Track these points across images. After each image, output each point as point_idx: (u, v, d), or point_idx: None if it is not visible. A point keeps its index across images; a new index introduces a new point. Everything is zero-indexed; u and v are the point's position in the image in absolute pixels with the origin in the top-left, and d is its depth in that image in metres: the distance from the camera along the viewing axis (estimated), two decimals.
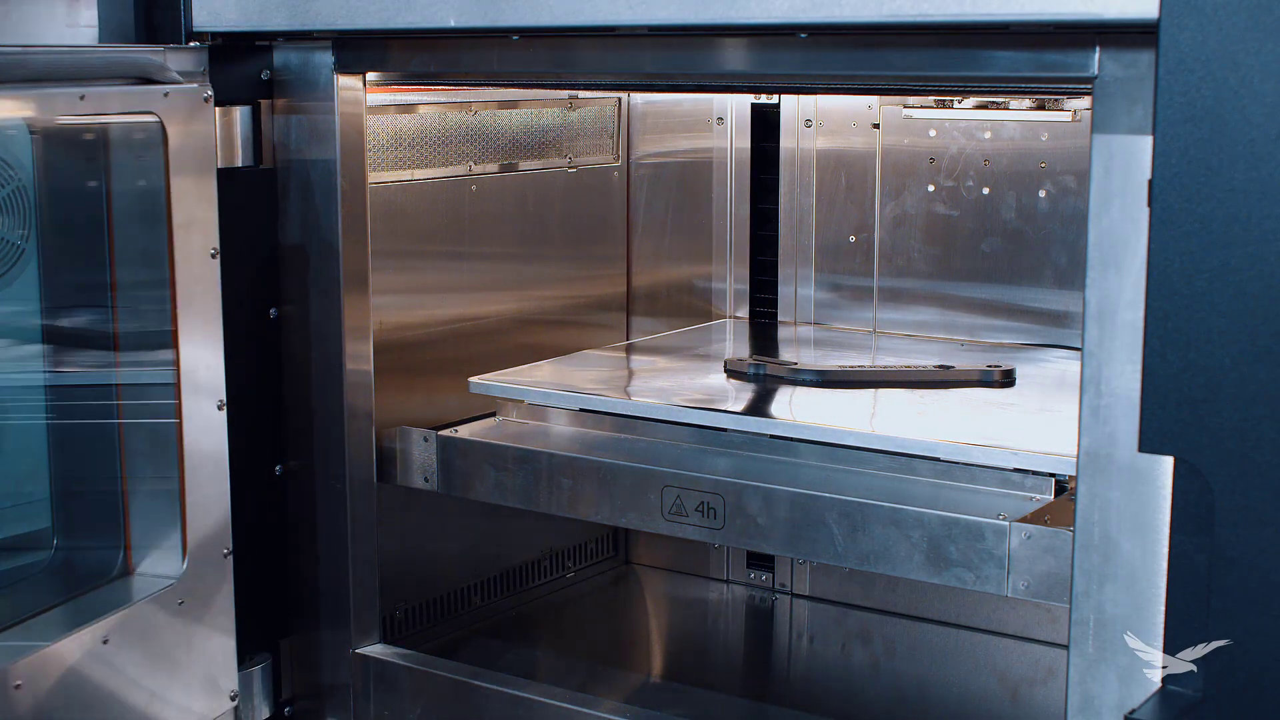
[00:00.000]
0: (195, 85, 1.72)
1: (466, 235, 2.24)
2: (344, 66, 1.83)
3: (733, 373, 2.09)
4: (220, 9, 1.77)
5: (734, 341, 2.46)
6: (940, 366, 2.09)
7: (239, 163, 1.84)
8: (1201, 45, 1.18)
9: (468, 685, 1.89)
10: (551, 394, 2.04)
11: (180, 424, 1.74)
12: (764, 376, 2.05)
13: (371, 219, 1.91)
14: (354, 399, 1.90)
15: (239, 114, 1.83)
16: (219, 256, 1.77)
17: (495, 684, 1.88)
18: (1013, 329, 2.33)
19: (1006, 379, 2.04)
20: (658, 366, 2.25)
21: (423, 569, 2.21)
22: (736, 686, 2.23)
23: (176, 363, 1.72)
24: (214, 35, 1.79)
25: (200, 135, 1.73)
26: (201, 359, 1.76)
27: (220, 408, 1.80)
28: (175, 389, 1.73)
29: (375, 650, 1.94)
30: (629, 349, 2.42)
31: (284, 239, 1.90)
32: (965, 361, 2.15)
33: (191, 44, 1.77)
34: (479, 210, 2.25)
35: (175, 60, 1.74)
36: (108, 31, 1.79)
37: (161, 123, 1.66)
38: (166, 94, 1.67)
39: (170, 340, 1.73)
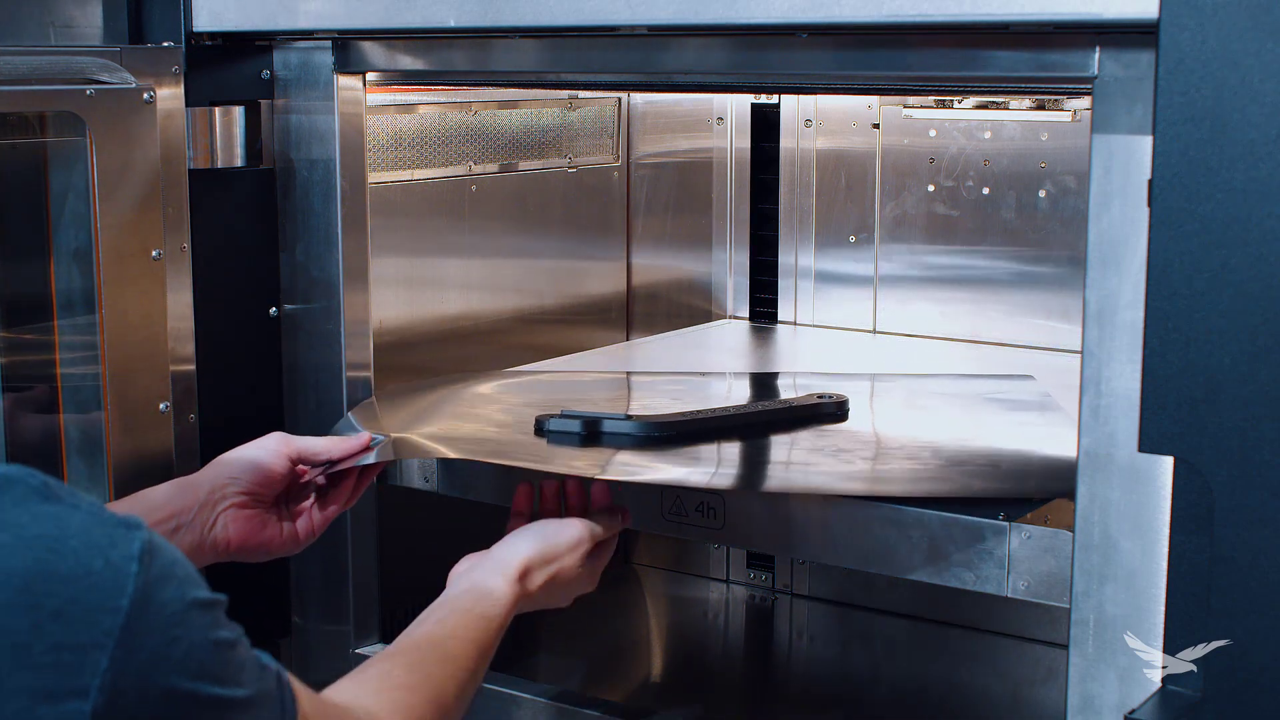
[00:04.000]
0: (133, 84, 1.69)
1: (466, 235, 2.24)
2: (344, 66, 1.83)
3: (542, 430, 1.72)
4: (221, 10, 1.77)
5: (731, 343, 2.46)
6: (767, 403, 1.85)
7: (238, 163, 1.84)
8: (1201, 45, 1.18)
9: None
10: None
11: (107, 430, 1.71)
12: (574, 435, 1.69)
13: (371, 219, 1.91)
14: (354, 399, 1.90)
15: (238, 114, 1.84)
16: (164, 259, 1.74)
17: (495, 684, 1.88)
18: (1012, 329, 2.33)
19: (840, 410, 1.82)
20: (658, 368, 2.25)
21: (423, 569, 2.21)
22: (736, 686, 2.23)
23: (102, 367, 1.70)
24: (214, 36, 1.79)
25: (136, 135, 1.69)
26: (140, 365, 1.73)
27: (191, 418, 1.80)
28: (102, 393, 1.71)
29: (376, 650, 1.94)
30: (629, 349, 2.42)
31: (284, 239, 1.90)
32: (796, 395, 1.91)
33: (166, 44, 1.76)
34: (479, 210, 2.25)
35: (138, 60, 1.71)
36: (110, 33, 1.79)
37: (85, 122, 1.65)
38: (90, 93, 1.66)
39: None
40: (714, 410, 1.75)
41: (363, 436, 1.64)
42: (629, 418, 1.68)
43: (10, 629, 0.87)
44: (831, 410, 1.80)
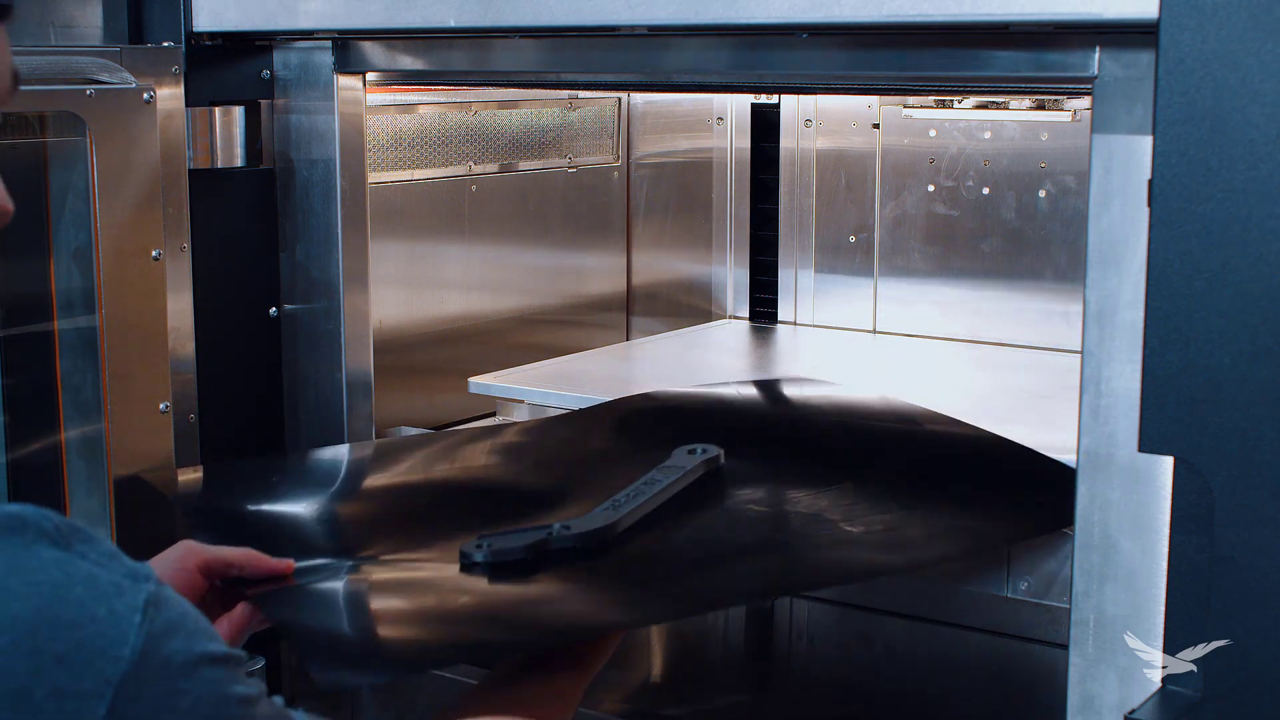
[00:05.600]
0: (133, 84, 1.69)
1: (466, 235, 2.24)
2: (344, 66, 1.83)
3: (472, 562, 1.46)
4: (221, 10, 1.77)
5: (731, 343, 2.46)
6: (665, 468, 1.68)
7: (238, 163, 1.84)
8: (1201, 45, 1.17)
9: (468, 685, 1.88)
10: (551, 394, 2.04)
11: (107, 432, 1.71)
12: (519, 562, 1.46)
13: (371, 219, 1.91)
14: (354, 399, 1.91)
15: (238, 114, 1.84)
16: (164, 259, 1.74)
17: None
18: (1012, 329, 2.33)
19: (720, 460, 1.72)
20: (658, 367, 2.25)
21: None
22: (736, 686, 2.23)
23: (102, 368, 1.70)
24: (214, 35, 1.79)
25: (136, 135, 1.70)
26: (140, 365, 1.73)
27: (191, 418, 1.80)
28: (102, 393, 1.71)
29: None
30: (629, 349, 2.42)
31: (284, 239, 1.90)
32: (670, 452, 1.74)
33: (165, 44, 1.77)
34: (479, 210, 2.25)
35: (138, 60, 1.71)
36: (110, 33, 1.79)
37: (85, 122, 1.66)
38: (90, 93, 1.66)
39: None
40: (634, 493, 1.58)
41: (285, 561, 1.44)
42: (567, 528, 1.48)
43: (12, 673, 0.86)
44: (718, 465, 1.70)
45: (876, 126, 2.41)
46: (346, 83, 1.85)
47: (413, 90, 2.14)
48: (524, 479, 1.76)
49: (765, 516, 1.64)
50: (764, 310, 2.57)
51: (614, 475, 1.67)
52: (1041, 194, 2.28)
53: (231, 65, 1.84)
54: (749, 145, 2.54)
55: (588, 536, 1.48)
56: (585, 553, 1.48)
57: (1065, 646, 1.39)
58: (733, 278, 2.59)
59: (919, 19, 1.35)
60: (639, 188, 2.53)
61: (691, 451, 1.70)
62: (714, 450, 1.71)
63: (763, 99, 2.50)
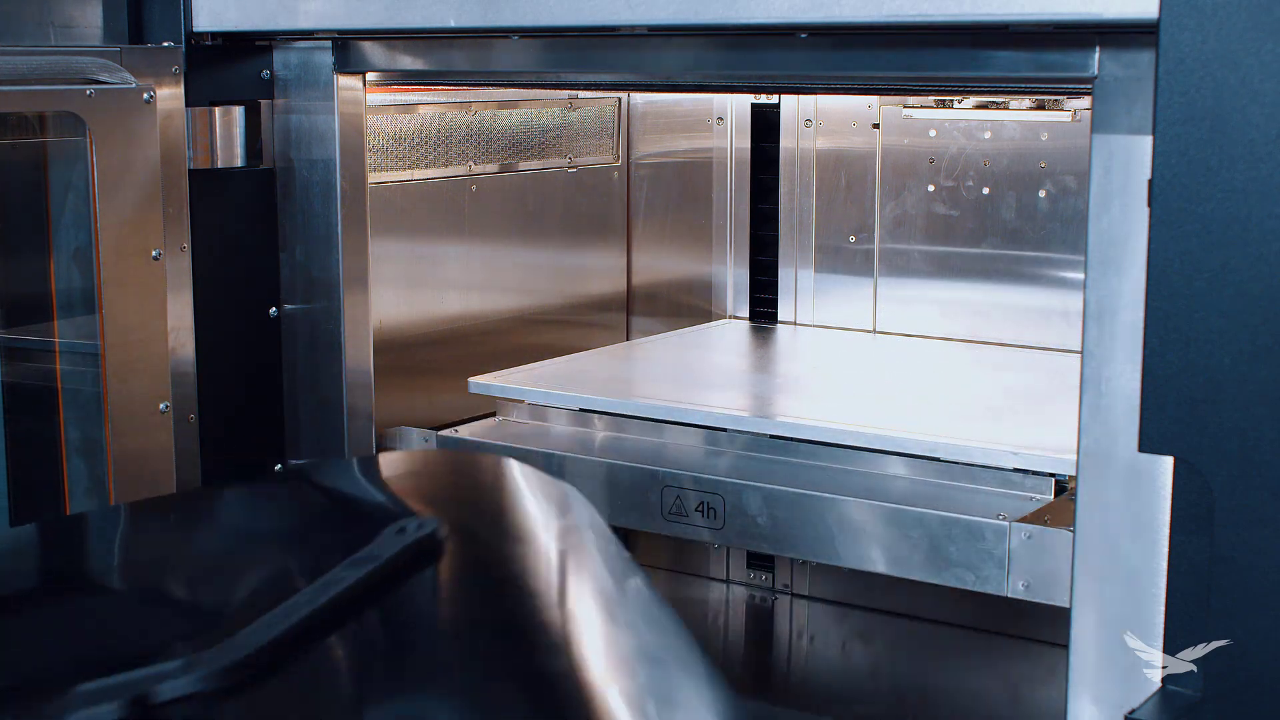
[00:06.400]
0: (133, 84, 1.70)
1: (466, 235, 2.24)
2: (344, 66, 1.83)
3: None
4: (221, 10, 1.77)
5: (731, 343, 2.46)
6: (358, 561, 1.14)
7: (238, 163, 1.84)
8: (1201, 45, 1.18)
9: None
10: (551, 394, 2.04)
11: (107, 432, 1.71)
12: None
13: (371, 219, 1.91)
14: (354, 399, 1.91)
15: (238, 114, 1.84)
16: (163, 259, 1.74)
17: None
18: (1012, 329, 2.33)
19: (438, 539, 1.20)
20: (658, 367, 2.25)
21: None
22: (736, 686, 2.23)
23: (102, 367, 1.70)
24: (214, 35, 1.80)
25: (136, 135, 1.70)
26: (140, 365, 1.73)
27: (190, 418, 1.80)
28: (102, 395, 1.71)
29: None
30: (629, 349, 2.42)
31: (284, 239, 1.90)
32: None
33: (165, 44, 1.77)
34: (479, 210, 2.25)
35: (138, 60, 1.71)
36: (110, 33, 1.79)
37: (85, 122, 1.66)
38: (90, 93, 1.66)
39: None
40: (301, 602, 1.09)
41: None
42: (189, 667, 1.02)
43: None
44: (434, 545, 1.21)
45: (876, 126, 2.41)
46: (346, 83, 1.85)
47: (413, 90, 2.14)
48: (146, 589, 1.29)
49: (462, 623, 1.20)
50: (764, 310, 2.57)
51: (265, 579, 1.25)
52: (1041, 194, 2.28)
53: (231, 65, 1.84)
54: (749, 145, 2.54)
55: (217, 677, 1.02)
56: (214, 701, 1.02)
57: (1065, 646, 1.39)
58: (732, 278, 2.59)
59: (919, 19, 1.35)
60: (639, 188, 2.53)
61: (401, 531, 1.21)
62: (431, 524, 1.23)
63: (763, 99, 2.50)
